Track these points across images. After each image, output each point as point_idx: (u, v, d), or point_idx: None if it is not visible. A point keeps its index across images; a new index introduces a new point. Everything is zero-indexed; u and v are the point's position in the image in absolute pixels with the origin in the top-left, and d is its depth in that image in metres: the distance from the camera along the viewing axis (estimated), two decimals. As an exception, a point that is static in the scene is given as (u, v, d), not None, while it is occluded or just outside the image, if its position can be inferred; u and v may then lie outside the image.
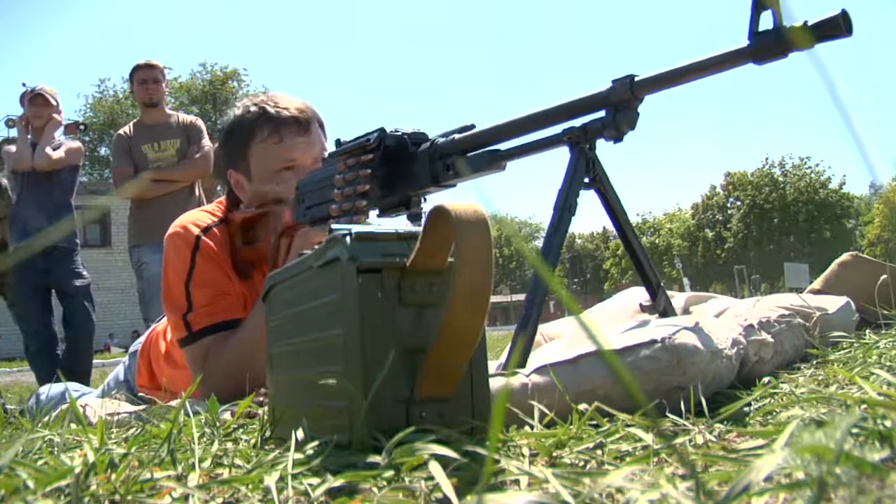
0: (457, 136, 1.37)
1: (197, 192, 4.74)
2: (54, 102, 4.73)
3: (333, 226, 0.81)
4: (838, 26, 0.96)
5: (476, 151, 1.33)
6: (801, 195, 45.65)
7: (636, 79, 1.15)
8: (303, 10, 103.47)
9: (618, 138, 1.18)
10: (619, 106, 1.16)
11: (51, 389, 2.10)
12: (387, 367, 0.74)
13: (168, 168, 4.58)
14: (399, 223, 1.46)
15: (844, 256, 1.96)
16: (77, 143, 4.86)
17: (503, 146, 1.32)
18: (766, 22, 1.02)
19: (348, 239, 0.78)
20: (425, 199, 1.46)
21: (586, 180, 1.23)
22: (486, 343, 0.81)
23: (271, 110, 1.84)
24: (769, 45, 1.01)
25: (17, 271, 4.64)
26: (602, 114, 1.18)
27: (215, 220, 1.87)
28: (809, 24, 0.98)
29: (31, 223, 4.60)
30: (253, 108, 1.86)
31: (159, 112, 4.70)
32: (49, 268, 4.60)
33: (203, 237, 1.81)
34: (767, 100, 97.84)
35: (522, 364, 1.08)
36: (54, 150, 4.64)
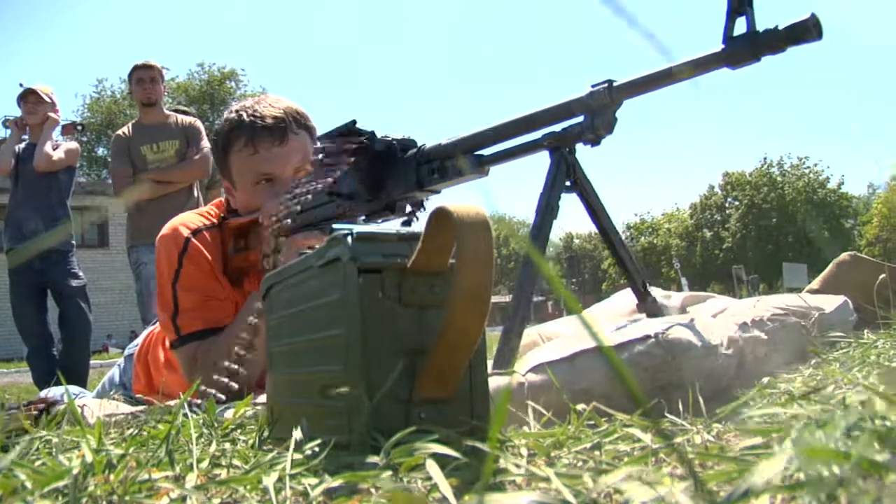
0: (442, 141, 1.38)
1: (195, 194, 4.74)
2: (48, 100, 4.71)
3: (335, 225, 0.81)
4: (808, 30, 0.98)
5: (461, 156, 1.34)
6: (800, 195, 45.67)
7: (614, 84, 1.17)
8: (301, 9, 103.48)
9: (595, 142, 1.20)
10: (597, 111, 1.18)
11: (52, 393, 2.10)
12: (397, 372, 0.74)
13: (167, 169, 4.58)
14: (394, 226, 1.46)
15: (843, 256, 1.96)
16: (74, 144, 4.85)
17: (486, 151, 1.33)
18: (740, 27, 1.04)
19: (349, 239, 0.78)
20: (420, 207, 1.47)
21: (568, 184, 1.25)
22: (485, 344, 0.81)
23: (247, 120, 1.78)
24: (743, 49, 1.03)
25: (13, 273, 4.63)
26: (581, 118, 1.20)
27: (208, 222, 1.85)
28: (780, 28, 1.00)
29: (27, 225, 4.59)
30: (232, 117, 1.83)
31: (158, 113, 4.70)
32: (45, 269, 4.59)
33: (192, 240, 1.80)
34: (766, 99, 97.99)
35: (510, 363, 1.09)
36: (53, 150, 4.64)
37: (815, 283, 1.96)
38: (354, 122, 1.43)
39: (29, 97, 4.68)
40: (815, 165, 47.11)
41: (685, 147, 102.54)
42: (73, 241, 4.81)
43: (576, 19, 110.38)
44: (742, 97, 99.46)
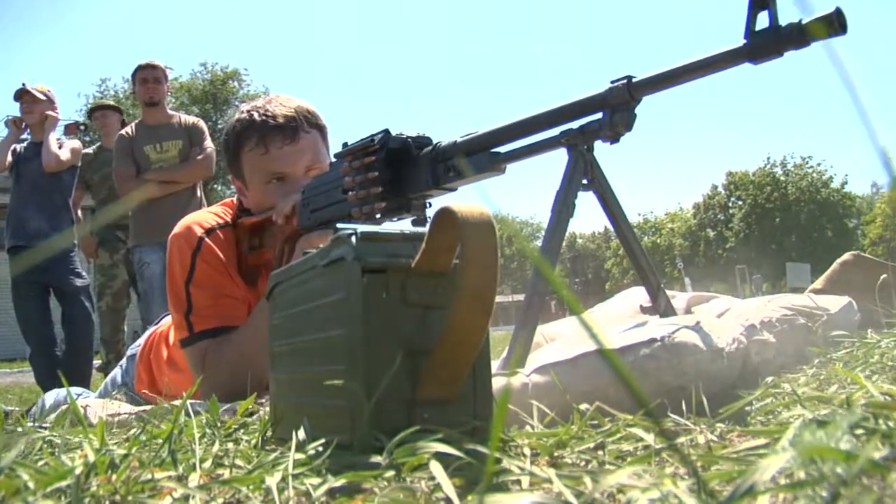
0: (458, 139, 1.37)
1: (198, 194, 4.74)
2: (44, 98, 4.71)
3: (339, 224, 0.81)
4: (832, 24, 0.96)
5: (476, 154, 1.33)
6: (803, 195, 45.70)
7: (633, 80, 1.15)
8: (303, 9, 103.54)
9: (614, 139, 1.19)
10: (616, 107, 1.16)
11: (56, 394, 2.10)
12: (394, 368, 0.74)
13: (170, 169, 4.58)
14: (402, 225, 1.46)
15: (846, 256, 1.96)
16: (77, 143, 4.86)
17: (503, 149, 1.32)
18: (762, 22, 1.02)
19: (354, 238, 0.78)
20: (430, 204, 1.46)
21: (584, 182, 1.23)
22: (489, 344, 0.81)
23: (258, 119, 1.79)
24: (765, 44, 1.02)
25: (16, 271, 4.63)
26: (599, 115, 1.19)
27: (221, 221, 1.85)
28: (804, 22, 0.99)
29: (31, 223, 4.58)
30: (242, 116, 1.83)
31: (161, 113, 4.70)
32: (48, 267, 4.59)
33: (206, 239, 1.80)
34: (769, 99, 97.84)
35: (521, 364, 1.08)
36: (59, 149, 4.65)
37: (819, 283, 1.95)
38: (387, 131, 1.43)
39: (24, 97, 4.68)
40: (819, 165, 47.15)
41: (688, 146, 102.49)
42: (75, 241, 4.81)
43: (582, 17, 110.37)
44: (745, 96, 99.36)
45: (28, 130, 4.74)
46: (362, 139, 1.48)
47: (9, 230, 4.67)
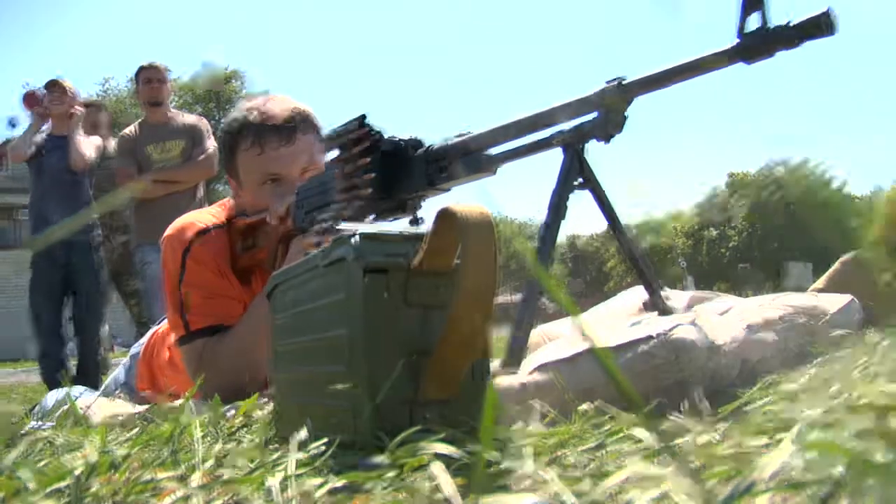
0: (451, 140, 1.38)
1: (200, 193, 4.74)
2: (71, 94, 4.66)
3: (339, 225, 0.82)
4: (819, 26, 0.97)
5: (470, 155, 1.34)
6: (804, 195, 45.66)
7: (625, 81, 1.16)
8: (303, 9, 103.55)
9: (606, 140, 1.20)
10: (609, 108, 1.17)
11: (58, 394, 2.10)
12: (397, 370, 0.74)
13: (172, 169, 4.58)
14: (400, 226, 1.45)
15: (848, 255, 1.96)
16: (99, 140, 4.78)
17: (496, 149, 1.32)
18: (753, 23, 1.03)
19: (355, 238, 0.78)
20: (420, 205, 1.46)
21: (578, 181, 1.24)
22: (490, 344, 0.81)
23: (254, 119, 1.79)
24: (756, 44, 1.02)
25: (37, 263, 4.59)
26: (592, 116, 1.19)
27: (216, 222, 1.85)
28: (792, 23, 0.99)
29: (54, 219, 4.47)
30: (239, 116, 1.83)
31: (164, 112, 4.71)
32: (70, 262, 4.55)
33: (197, 240, 1.80)
34: (769, 99, 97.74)
35: (517, 364, 1.08)
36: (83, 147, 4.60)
37: (821, 282, 1.95)
38: (364, 116, 1.41)
39: (55, 88, 4.54)
40: (819, 165, 47.15)
41: (689, 147, 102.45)
42: (99, 233, 4.74)
43: (582, 17, 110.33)
44: (744, 96, 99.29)
45: (48, 122, 4.65)
46: (345, 124, 1.44)
47: (31, 223, 4.62)
